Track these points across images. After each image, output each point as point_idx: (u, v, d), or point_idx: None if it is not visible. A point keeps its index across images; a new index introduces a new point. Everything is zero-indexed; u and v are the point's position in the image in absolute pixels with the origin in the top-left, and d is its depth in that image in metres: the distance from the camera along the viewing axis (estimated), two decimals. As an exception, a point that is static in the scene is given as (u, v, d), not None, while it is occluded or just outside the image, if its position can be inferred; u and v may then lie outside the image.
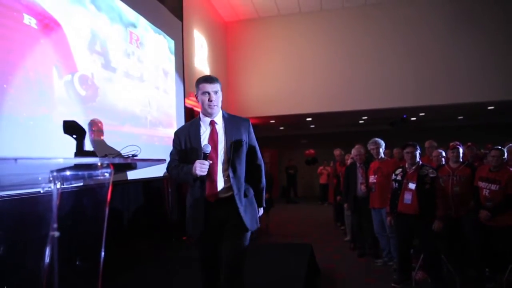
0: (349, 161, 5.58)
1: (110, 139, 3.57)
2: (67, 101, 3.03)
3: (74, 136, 1.76)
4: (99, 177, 1.39)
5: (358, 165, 4.85)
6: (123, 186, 4.28)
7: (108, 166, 1.36)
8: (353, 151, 4.92)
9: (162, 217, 5.36)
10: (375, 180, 4.38)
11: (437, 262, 3.63)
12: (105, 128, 3.52)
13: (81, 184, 1.46)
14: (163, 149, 4.68)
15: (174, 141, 2.23)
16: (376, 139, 4.58)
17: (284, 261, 3.60)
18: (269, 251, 3.69)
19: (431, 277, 3.60)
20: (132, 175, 3.80)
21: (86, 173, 1.38)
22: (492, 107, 9.03)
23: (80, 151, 1.63)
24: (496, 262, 3.60)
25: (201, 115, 2.25)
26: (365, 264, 4.62)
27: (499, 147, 3.74)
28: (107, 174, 1.41)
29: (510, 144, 4.04)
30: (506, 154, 3.69)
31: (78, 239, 1.40)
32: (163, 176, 4.77)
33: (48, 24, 2.85)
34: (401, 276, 3.78)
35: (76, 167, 1.31)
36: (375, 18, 8.29)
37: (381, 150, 4.52)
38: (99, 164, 1.34)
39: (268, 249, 3.33)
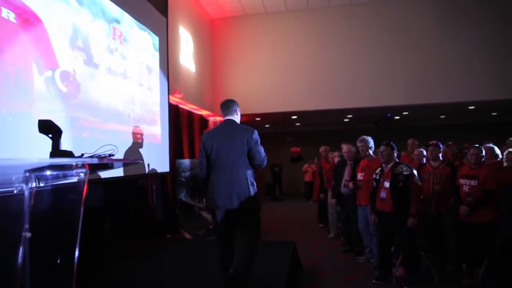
0: (336, 159, 5.63)
1: (93, 136, 3.53)
2: (48, 98, 2.98)
3: (50, 135, 1.73)
4: (74, 177, 1.38)
5: (348, 162, 4.90)
6: (106, 184, 4.24)
7: (83, 166, 1.35)
8: (344, 148, 4.95)
9: (146, 215, 5.33)
10: (362, 178, 4.44)
11: (416, 258, 3.71)
12: (87, 125, 3.48)
13: (56, 184, 1.44)
14: (146, 146, 4.65)
15: None
16: (365, 136, 4.61)
17: (267, 258, 3.60)
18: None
19: (409, 273, 3.68)
20: (117, 172, 3.76)
21: (61, 173, 1.36)
22: (472, 107, 9.24)
23: (56, 151, 1.60)
24: (473, 258, 3.70)
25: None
26: (347, 261, 4.69)
27: (477, 145, 3.85)
28: (82, 174, 1.40)
29: (487, 144, 4.15)
30: (484, 152, 3.79)
31: (52, 239, 1.39)
32: (147, 174, 4.74)
33: (28, 19, 2.79)
34: (382, 273, 3.86)
35: (51, 167, 1.30)
36: (361, 17, 8.37)
37: (369, 148, 4.56)
38: (74, 164, 1.33)
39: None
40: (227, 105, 2.94)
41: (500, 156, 4.05)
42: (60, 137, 1.74)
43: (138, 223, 5.07)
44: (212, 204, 2.81)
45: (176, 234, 5.63)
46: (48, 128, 1.78)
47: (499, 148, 4.23)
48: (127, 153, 4.23)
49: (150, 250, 4.19)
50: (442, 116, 11.39)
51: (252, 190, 2.76)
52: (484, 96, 7.82)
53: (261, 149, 2.83)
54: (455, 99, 7.97)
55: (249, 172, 2.80)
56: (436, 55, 7.98)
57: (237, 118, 2.96)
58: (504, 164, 3.88)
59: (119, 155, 3.52)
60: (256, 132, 2.82)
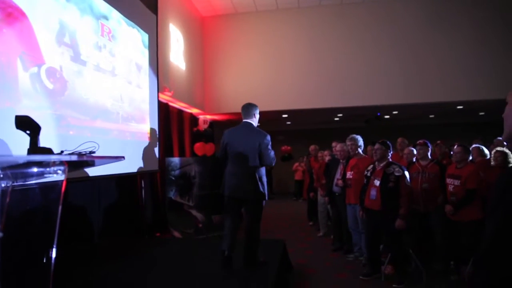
0: (327, 158, 5.64)
1: (80, 134, 3.47)
2: (33, 94, 2.92)
3: (28, 132, 1.68)
4: (51, 175, 1.34)
5: (341, 161, 4.90)
6: (95, 182, 4.18)
7: (61, 163, 1.31)
8: (337, 146, 4.96)
9: (135, 213, 5.28)
10: (351, 176, 4.45)
11: (404, 256, 3.74)
12: (74, 123, 3.42)
13: (34, 182, 1.40)
14: (135, 144, 4.60)
15: None
16: (354, 135, 4.63)
17: (257, 257, 3.60)
18: (241, 246, 3.69)
19: (397, 271, 3.71)
20: (106, 170, 3.70)
21: (38, 170, 1.32)
22: (461, 107, 9.33)
23: (34, 148, 1.56)
24: (461, 255, 3.74)
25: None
26: (336, 259, 4.70)
27: (456, 143, 3.90)
28: (60, 172, 1.36)
29: (474, 145, 4.19)
30: (468, 151, 3.83)
31: (28, 238, 1.34)
32: (136, 172, 4.68)
33: (12, 13, 2.73)
34: (370, 270, 3.88)
35: (28, 164, 1.26)
36: (351, 16, 8.39)
37: (358, 147, 4.57)
38: (52, 161, 1.29)
39: (240, 244, 3.35)
40: (247, 109, 3.47)
41: (488, 155, 4.10)
42: (38, 133, 1.69)
43: (127, 221, 5.01)
44: (222, 190, 3.35)
45: (165, 232, 5.59)
46: (26, 124, 1.73)
47: (487, 147, 4.28)
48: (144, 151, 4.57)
49: (140, 248, 4.15)
50: (431, 116, 11.50)
51: (258, 184, 3.24)
52: (471, 96, 7.88)
53: (271, 152, 3.29)
54: (448, 99, 8.00)
55: (258, 169, 3.28)
56: (429, 53, 8.00)
57: (254, 121, 3.45)
58: (492, 163, 3.93)
59: (110, 153, 3.46)
60: (268, 137, 3.30)
